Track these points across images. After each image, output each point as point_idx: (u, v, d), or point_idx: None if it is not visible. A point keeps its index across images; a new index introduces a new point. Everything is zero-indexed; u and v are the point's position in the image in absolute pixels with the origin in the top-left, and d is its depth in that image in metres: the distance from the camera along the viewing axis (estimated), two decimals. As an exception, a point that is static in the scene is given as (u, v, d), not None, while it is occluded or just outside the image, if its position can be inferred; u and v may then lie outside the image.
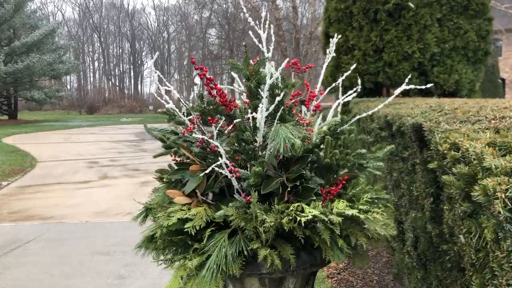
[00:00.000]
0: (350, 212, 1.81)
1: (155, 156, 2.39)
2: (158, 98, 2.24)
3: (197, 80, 2.17)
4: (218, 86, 2.08)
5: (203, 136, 2.02)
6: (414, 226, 2.97)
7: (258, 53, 2.31)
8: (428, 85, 2.17)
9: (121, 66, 70.78)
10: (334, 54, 2.43)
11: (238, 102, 2.32)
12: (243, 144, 2.03)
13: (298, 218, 1.75)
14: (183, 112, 2.25)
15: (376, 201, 2.03)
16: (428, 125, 2.36)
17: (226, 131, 2.19)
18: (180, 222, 1.88)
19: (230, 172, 1.95)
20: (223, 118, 2.20)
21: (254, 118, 2.05)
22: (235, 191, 2.03)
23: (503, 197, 1.33)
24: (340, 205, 1.86)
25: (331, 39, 2.46)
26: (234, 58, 39.67)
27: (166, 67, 67.27)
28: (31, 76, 32.62)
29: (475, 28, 7.58)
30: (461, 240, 1.77)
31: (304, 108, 2.39)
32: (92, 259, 5.23)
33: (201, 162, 2.08)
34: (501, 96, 22.91)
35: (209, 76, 2.05)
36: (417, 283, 3.00)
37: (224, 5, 45.63)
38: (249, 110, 2.14)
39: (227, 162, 1.96)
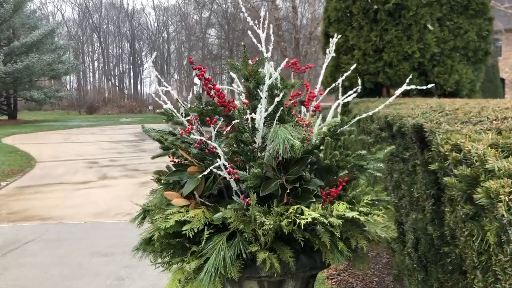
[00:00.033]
0: (350, 214, 1.79)
1: (153, 157, 2.36)
2: (156, 99, 2.21)
3: (196, 80, 2.14)
4: (217, 86, 2.05)
5: (201, 137, 2.00)
6: (414, 227, 2.94)
7: (258, 53, 2.28)
8: (429, 86, 2.14)
9: (120, 66, 70.81)
10: (334, 54, 2.40)
11: (237, 102, 2.30)
12: (242, 145, 2.01)
13: (298, 221, 1.73)
14: (181, 113, 2.22)
15: (376, 203, 2.00)
16: (429, 126, 2.33)
17: (224, 132, 2.16)
18: (178, 224, 1.86)
19: (229, 173, 1.93)
20: (222, 119, 2.18)
21: (253, 119, 2.03)
22: (234, 193, 2.00)
23: (507, 200, 1.30)
24: (340, 207, 1.84)
25: (330, 39, 2.43)
26: (233, 58, 39.66)
27: (165, 67, 67.26)
28: (30, 76, 32.59)
29: (476, 28, 7.55)
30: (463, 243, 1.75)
31: (303, 109, 2.36)
32: (92, 260, 5.20)
33: (199, 164, 2.06)
34: (501, 96, 22.88)
35: (207, 76, 2.02)
36: (418, 285, 2.97)
37: (224, 5, 45.62)
38: (248, 111, 2.11)
39: (226, 163, 1.93)
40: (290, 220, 1.76)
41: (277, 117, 2.04)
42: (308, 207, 1.84)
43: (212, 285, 1.75)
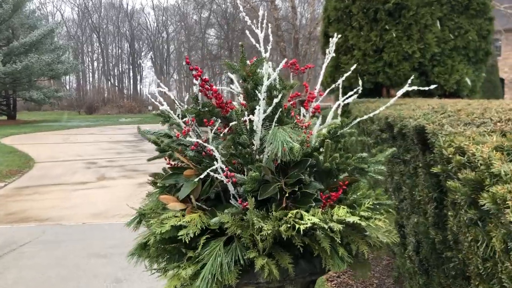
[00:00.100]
0: (351, 219, 1.74)
1: (149, 160, 2.31)
2: (152, 100, 2.16)
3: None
4: (214, 87, 2.01)
5: (198, 140, 1.95)
6: (416, 231, 2.89)
7: (257, 53, 2.23)
8: (432, 86, 2.09)
9: (120, 66, 70.75)
10: (334, 54, 2.35)
11: (235, 103, 2.25)
12: (240, 147, 1.96)
13: (297, 226, 1.68)
14: (178, 114, 2.18)
15: (378, 207, 1.95)
16: (431, 127, 2.28)
17: (222, 134, 2.11)
18: (174, 229, 1.81)
19: (226, 177, 1.88)
20: (219, 121, 2.13)
21: (251, 121, 1.98)
22: (231, 197, 1.95)
23: (514, 206, 1.26)
24: (341, 212, 1.79)
25: (330, 39, 2.38)
26: (233, 58, 39.62)
27: (165, 67, 67.26)
28: (29, 76, 32.55)
29: (476, 28, 7.51)
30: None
31: (303, 110, 2.31)
32: (89, 261, 5.16)
33: (196, 166, 2.01)
34: (500, 96, 22.85)
35: (204, 77, 1.97)
36: (419, 288, 2.93)
37: (223, 5, 45.56)
38: (246, 112, 2.06)
39: (223, 166, 1.88)
40: (289, 225, 1.71)
41: (275, 119, 1.99)
42: (307, 211, 1.79)
43: (209, 292, 1.70)
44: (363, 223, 1.75)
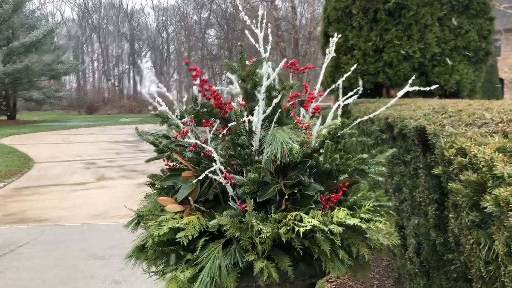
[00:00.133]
0: (351, 221, 1.71)
1: (147, 161, 2.29)
2: (151, 100, 2.14)
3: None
4: (213, 87, 1.98)
5: (196, 141, 1.92)
6: (416, 232, 2.87)
7: (257, 54, 2.21)
8: (433, 87, 2.07)
9: (120, 66, 70.66)
10: (334, 54, 2.33)
11: (234, 104, 2.22)
12: (239, 148, 1.93)
13: (296, 228, 1.65)
14: (177, 115, 2.15)
15: (378, 208, 1.93)
16: (432, 128, 2.26)
17: (220, 135, 2.09)
18: (172, 231, 1.78)
19: (225, 178, 1.85)
20: (218, 121, 2.10)
21: (250, 121, 1.95)
22: (230, 198, 1.93)
23: (518, 208, 1.23)
24: (341, 214, 1.76)
25: (330, 39, 2.36)
26: (233, 58, 39.60)
27: (165, 67, 67.18)
28: (30, 77, 32.55)
29: (476, 27, 7.49)
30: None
31: (302, 111, 2.29)
32: (88, 262, 5.13)
33: (194, 168, 1.98)
34: (500, 97, 22.84)
35: (203, 78, 1.95)
36: (420, 290, 2.90)
37: (223, 5, 45.55)
38: (245, 113, 2.04)
39: (222, 167, 1.86)
40: (288, 228, 1.69)
41: (275, 119, 1.96)
42: (307, 213, 1.77)
43: (207, 295, 1.68)
44: (364, 225, 1.73)
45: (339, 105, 2.24)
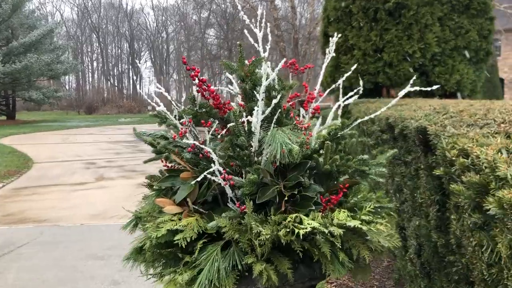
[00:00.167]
0: (352, 223, 1.69)
1: (145, 162, 2.27)
2: (149, 101, 2.12)
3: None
4: (212, 87, 1.96)
5: (194, 142, 1.90)
6: (417, 233, 2.84)
7: (256, 54, 2.19)
8: (434, 87, 2.04)
9: (119, 66, 70.70)
10: (334, 54, 2.31)
11: (233, 104, 2.20)
12: (238, 149, 1.91)
13: (296, 231, 1.63)
14: (175, 115, 2.13)
15: (379, 210, 1.91)
16: (433, 129, 2.23)
17: (219, 136, 2.06)
18: (170, 233, 1.76)
19: (224, 179, 1.83)
20: (217, 122, 2.08)
21: (249, 122, 1.93)
22: (229, 200, 1.91)
23: (522, 211, 1.21)
24: (341, 216, 1.74)
25: (330, 39, 2.34)
26: (232, 58, 39.56)
27: (165, 67, 67.20)
28: (29, 77, 32.52)
29: (477, 27, 7.47)
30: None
31: (302, 111, 2.26)
32: (87, 263, 5.11)
33: (193, 169, 1.96)
34: (500, 97, 22.81)
35: (202, 77, 1.93)
36: (420, 292, 2.88)
37: (223, 5, 45.51)
38: (244, 113, 2.01)
39: (220, 169, 1.83)
40: (288, 230, 1.66)
41: (274, 120, 1.94)
42: (307, 215, 1.74)
43: (206, 298, 1.65)
44: (364, 228, 1.71)
45: (339, 105, 2.22)
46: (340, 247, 1.70)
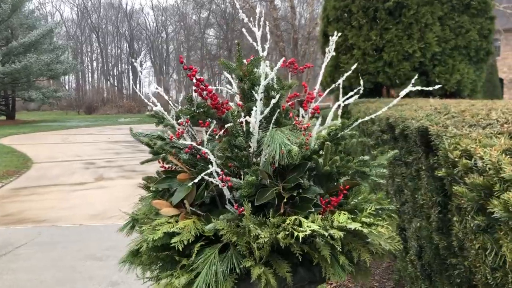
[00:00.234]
0: (352, 226, 1.65)
1: (142, 163, 2.23)
2: (146, 100, 2.08)
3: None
4: (210, 87, 1.92)
5: (191, 142, 1.86)
6: (418, 235, 2.81)
7: (256, 53, 2.15)
8: (436, 87, 2.01)
9: (119, 66, 70.68)
10: (334, 53, 2.27)
11: (232, 104, 2.16)
12: (236, 150, 1.87)
13: (296, 233, 1.59)
14: (172, 115, 2.09)
15: (380, 212, 1.87)
16: (435, 129, 2.20)
17: (217, 136, 2.02)
18: (167, 236, 1.72)
19: (222, 181, 1.79)
20: (215, 122, 2.04)
21: (247, 122, 1.89)
22: (227, 201, 1.87)
23: (528, 214, 1.17)
24: (341, 218, 1.70)
25: (330, 38, 2.30)
26: (232, 58, 39.49)
27: (164, 67, 67.18)
28: (28, 77, 32.50)
29: (477, 27, 7.45)
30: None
31: (301, 111, 2.23)
32: (85, 263, 5.08)
33: (190, 170, 1.92)
34: (499, 96, 22.79)
35: (199, 77, 1.89)
36: (421, 294, 2.85)
37: (222, 5, 45.47)
38: (243, 114, 1.97)
39: (218, 170, 1.80)
40: (287, 233, 1.62)
41: (273, 120, 1.90)
42: (306, 217, 1.71)
43: (203, 302, 1.62)
44: (365, 230, 1.67)
45: (339, 105, 2.18)
46: (340, 250, 1.66)
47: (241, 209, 1.75)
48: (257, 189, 1.79)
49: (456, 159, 1.70)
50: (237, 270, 1.67)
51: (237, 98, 2.20)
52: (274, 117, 1.91)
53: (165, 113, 2.08)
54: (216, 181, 1.81)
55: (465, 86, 7.45)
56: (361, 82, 2.21)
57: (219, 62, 2.17)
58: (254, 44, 2.15)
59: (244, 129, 1.88)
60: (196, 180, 1.79)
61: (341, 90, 2.28)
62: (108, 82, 68.06)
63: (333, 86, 2.36)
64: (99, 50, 68.42)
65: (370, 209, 1.79)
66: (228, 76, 2.21)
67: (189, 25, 60.14)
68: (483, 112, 2.36)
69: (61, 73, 36.75)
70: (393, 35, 7.34)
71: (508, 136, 1.74)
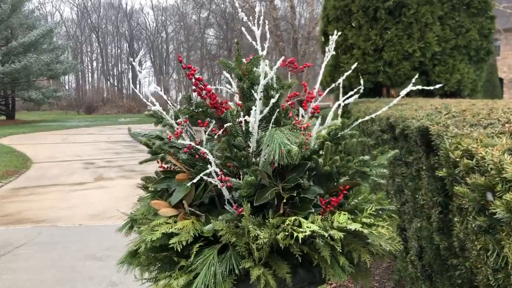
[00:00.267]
0: (352, 226, 1.64)
1: (140, 163, 2.22)
2: (144, 100, 2.07)
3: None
4: (209, 86, 1.91)
5: (190, 142, 1.85)
6: (419, 235, 2.79)
7: (255, 53, 2.13)
8: (437, 86, 1.99)
9: (119, 66, 70.67)
10: (334, 52, 2.26)
11: (231, 104, 2.15)
12: (235, 150, 1.85)
13: (295, 234, 1.57)
14: (171, 115, 2.08)
15: (380, 212, 1.85)
16: (435, 128, 2.18)
17: (216, 136, 2.01)
18: (165, 236, 1.70)
19: (221, 181, 1.78)
20: (214, 122, 2.03)
21: (247, 122, 1.87)
22: (226, 202, 1.85)
23: (531, 215, 1.16)
24: (341, 218, 1.69)
25: (330, 37, 2.29)
26: (232, 58, 39.47)
27: (164, 67, 67.18)
28: (28, 76, 32.49)
29: (477, 26, 7.43)
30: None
31: (301, 111, 2.21)
32: (85, 263, 5.07)
33: (189, 170, 1.91)
34: (499, 96, 22.78)
35: (198, 76, 1.88)
36: (422, 294, 2.83)
37: (222, 5, 45.46)
38: (242, 113, 1.96)
39: (217, 170, 1.78)
40: (286, 233, 1.61)
41: (273, 120, 1.88)
42: (306, 218, 1.69)
43: (202, 303, 1.60)
44: (365, 231, 1.65)
45: (339, 104, 2.17)
46: (341, 251, 1.65)
47: (240, 210, 1.74)
48: (257, 190, 1.77)
49: (457, 159, 1.69)
50: (236, 271, 1.66)
51: (237, 98, 2.19)
52: (274, 117, 1.89)
53: (164, 112, 2.06)
54: (215, 181, 1.79)
55: (465, 85, 7.43)
56: (361, 81, 2.19)
57: (218, 62, 2.16)
58: (254, 43, 2.14)
59: (244, 128, 1.87)
60: (195, 180, 1.78)
61: (341, 89, 2.26)
62: (108, 82, 68.09)
63: (333, 85, 2.34)
64: (99, 50, 68.45)
65: (370, 210, 1.78)
66: (228, 75, 2.20)
67: (189, 25, 60.15)
68: (484, 112, 2.34)
69: (61, 73, 36.75)
70: (393, 34, 7.33)
71: (509, 135, 1.73)
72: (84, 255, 5.32)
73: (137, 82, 57.94)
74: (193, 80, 1.86)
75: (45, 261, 5.14)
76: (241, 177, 1.87)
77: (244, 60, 1.99)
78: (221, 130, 1.95)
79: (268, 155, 1.80)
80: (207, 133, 1.99)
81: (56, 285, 4.51)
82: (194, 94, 1.98)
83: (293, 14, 28.69)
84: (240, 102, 2.06)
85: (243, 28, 2.19)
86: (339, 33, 2.33)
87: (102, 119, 38.86)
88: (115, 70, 70.73)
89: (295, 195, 1.77)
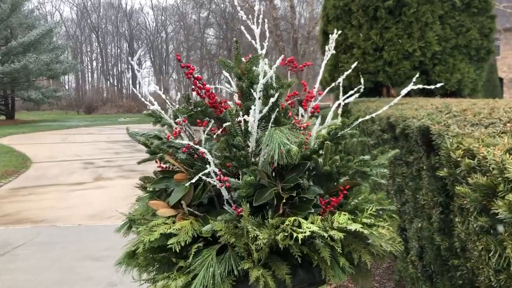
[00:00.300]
0: (352, 227, 1.62)
1: (139, 163, 2.20)
2: (143, 99, 2.05)
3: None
4: (207, 86, 1.89)
5: (189, 142, 1.83)
6: (419, 236, 2.78)
7: (255, 52, 2.12)
8: (438, 85, 1.97)
9: (119, 66, 70.66)
10: (334, 52, 2.24)
11: (231, 103, 2.13)
12: (234, 150, 1.84)
13: (295, 235, 1.56)
14: (170, 115, 2.06)
15: (380, 212, 1.84)
16: (436, 128, 2.17)
17: (215, 135, 1.99)
18: (163, 237, 1.69)
19: (219, 181, 1.76)
20: (212, 121, 2.01)
21: (246, 121, 1.85)
22: (225, 202, 1.84)
23: (533, 215, 1.14)
24: (342, 219, 1.67)
25: (330, 37, 2.27)
26: (231, 58, 39.44)
27: (164, 67, 67.16)
28: (28, 76, 32.48)
29: (478, 26, 7.41)
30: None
31: (301, 110, 2.19)
32: (84, 264, 5.06)
33: (187, 170, 1.89)
34: (499, 96, 22.78)
35: (197, 75, 1.86)
36: (422, 295, 2.82)
37: (222, 5, 45.44)
38: (241, 112, 1.94)
39: (216, 170, 1.77)
40: (286, 234, 1.59)
41: (272, 119, 1.87)
42: (306, 218, 1.67)
43: (201, 304, 1.58)
44: (366, 231, 1.64)
45: (339, 104, 2.15)
46: (341, 251, 1.63)
47: (239, 210, 1.72)
48: (256, 190, 1.76)
49: (459, 159, 1.67)
50: (235, 272, 1.64)
51: (236, 97, 2.17)
52: (273, 116, 1.87)
53: (162, 112, 2.04)
54: (214, 181, 1.77)
55: (466, 85, 7.41)
56: (362, 81, 2.17)
57: (217, 61, 2.14)
58: (253, 42, 2.12)
59: (243, 128, 1.85)
60: (193, 180, 1.76)
61: (341, 89, 2.25)
62: (108, 82, 68.07)
63: (333, 85, 2.32)
64: (98, 50, 68.46)
65: (370, 210, 1.76)
66: (227, 74, 2.18)
67: (189, 24, 60.14)
68: (485, 111, 2.33)
69: (60, 73, 36.76)
70: (393, 34, 7.31)
71: (511, 135, 1.71)
72: (83, 255, 5.30)
73: (137, 82, 57.89)
74: (192, 79, 1.84)
75: (44, 261, 5.13)
76: (240, 177, 1.85)
77: (243, 59, 1.98)
78: (220, 130, 1.93)
79: (267, 155, 1.78)
80: (206, 132, 1.97)
81: (55, 285, 4.50)
82: (193, 94, 1.97)
83: (293, 14, 28.67)
84: (239, 102, 2.04)
85: (242, 27, 2.17)
86: (339, 32, 2.31)
87: (102, 119, 38.85)
88: (115, 70, 70.78)
89: (294, 195, 1.75)
